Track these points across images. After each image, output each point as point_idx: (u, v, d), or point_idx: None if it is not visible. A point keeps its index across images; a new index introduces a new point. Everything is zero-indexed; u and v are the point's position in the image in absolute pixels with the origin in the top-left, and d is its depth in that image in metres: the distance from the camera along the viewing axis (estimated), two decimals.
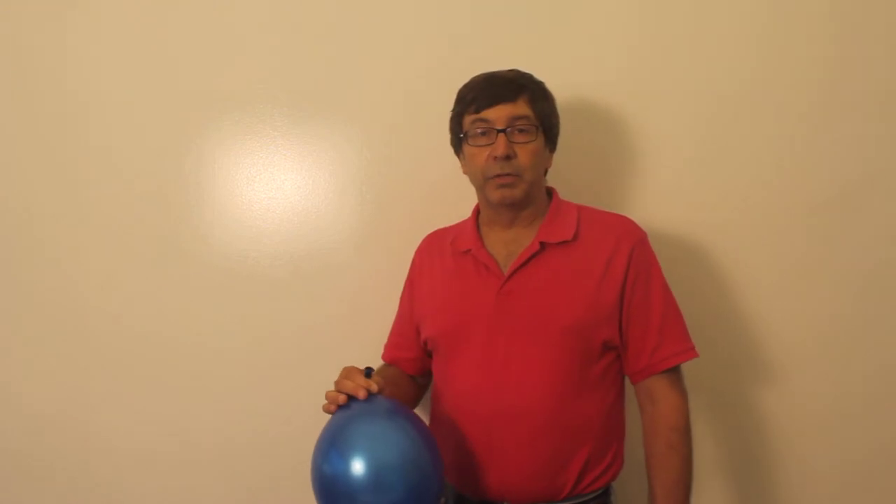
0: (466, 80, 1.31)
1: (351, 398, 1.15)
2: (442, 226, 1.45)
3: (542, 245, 1.27)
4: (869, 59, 1.53)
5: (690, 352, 1.29)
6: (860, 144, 1.53)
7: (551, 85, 1.32)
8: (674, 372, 1.28)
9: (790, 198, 1.54)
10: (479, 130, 1.26)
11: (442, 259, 1.37)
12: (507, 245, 1.30)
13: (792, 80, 1.53)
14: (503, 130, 1.24)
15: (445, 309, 1.31)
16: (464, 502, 1.30)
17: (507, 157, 1.23)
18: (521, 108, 1.25)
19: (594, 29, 1.56)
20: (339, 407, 1.15)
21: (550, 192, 1.36)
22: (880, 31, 1.52)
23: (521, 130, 1.25)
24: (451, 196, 1.50)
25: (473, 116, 1.27)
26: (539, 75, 1.31)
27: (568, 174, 1.50)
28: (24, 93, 1.64)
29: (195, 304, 1.64)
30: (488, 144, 1.25)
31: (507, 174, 1.24)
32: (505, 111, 1.24)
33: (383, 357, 1.46)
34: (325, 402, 1.17)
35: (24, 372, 1.67)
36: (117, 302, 1.65)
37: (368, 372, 1.18)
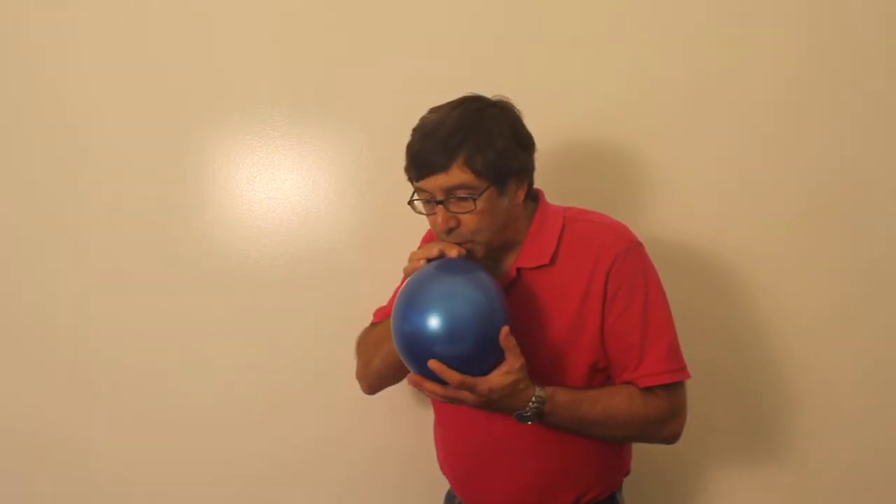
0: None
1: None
2: None
3: (519, 271, 1.20)
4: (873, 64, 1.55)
5: (675, 373, 1.17)
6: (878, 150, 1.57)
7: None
8: (660, 388, 1.17)
9: (805, 203, 1.58)
10: (423, 197, 1.17)
11: None
12: (492, 269, 1.22)
13: (815, 87, 1.56)
14: (442, 202, 1.13)
15: None
16: None
17: (450, 230, 1.15)
18: (454, 176, 1.11)
19: (605, 33, 1.56)
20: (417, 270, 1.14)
21: (537, 197, 1.26)
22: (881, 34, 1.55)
23: (460, 199, 1.13)
24: None
25: (414, 184, 1.18)
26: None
27: (575, 179, 1.50)
28: (22, 92, 1.64)
29: (195, 304, 1.64)
30: (433, 213, 1.17)
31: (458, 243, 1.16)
32: (439, 182, 1.12)
33: (376, 318, 1.39)
34: (408, 265, 1.16)
35: (23, 373, 1.66)
36: (117, 302, 1.64)
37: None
